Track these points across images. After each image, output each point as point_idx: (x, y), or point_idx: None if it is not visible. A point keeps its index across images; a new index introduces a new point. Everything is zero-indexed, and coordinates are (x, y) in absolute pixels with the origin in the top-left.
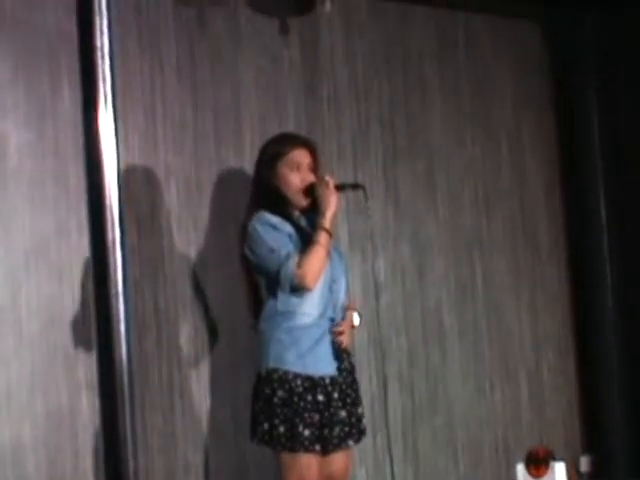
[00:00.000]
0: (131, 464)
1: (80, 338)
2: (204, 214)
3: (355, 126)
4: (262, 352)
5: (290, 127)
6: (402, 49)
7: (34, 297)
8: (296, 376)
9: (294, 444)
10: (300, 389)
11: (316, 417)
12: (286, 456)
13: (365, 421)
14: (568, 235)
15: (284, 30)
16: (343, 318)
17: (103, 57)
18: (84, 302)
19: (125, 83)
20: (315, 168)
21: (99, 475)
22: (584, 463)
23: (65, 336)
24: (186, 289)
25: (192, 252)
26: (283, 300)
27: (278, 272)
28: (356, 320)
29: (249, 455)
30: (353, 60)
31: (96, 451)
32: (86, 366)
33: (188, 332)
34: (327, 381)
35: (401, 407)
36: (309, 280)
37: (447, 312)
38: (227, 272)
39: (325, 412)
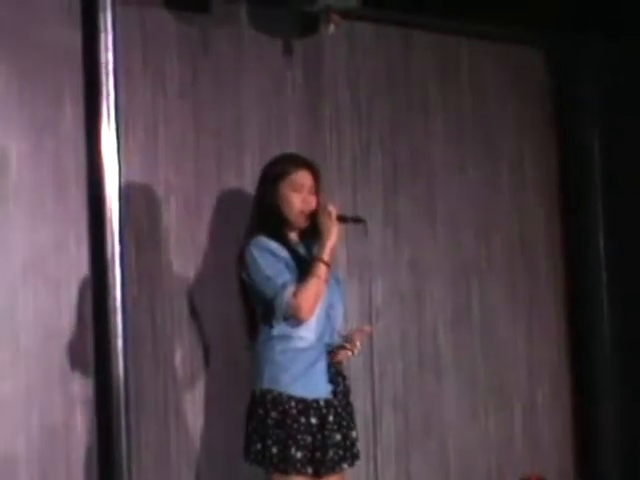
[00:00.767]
0: None
1: (77, 353)
2: (203, 233)
3: (356, 149)
4: (257, 373)
5: (291, 148)
6: (404, 73)
7: (31, 311)
8: (290, 398)
9: (286, 466)
10: (294, 411)
11: (309, 439)
12: (278, 477)
13: (359, 445)
14: (566, 263)
15: (287, 51)
16: (343, 346)
17: (107, 74)
18: (81, 317)
19: (128, 100)
20: (316, 191)
21: None
22: None
23: (62, 351)
24: (183, 307)
25: (190, 270)
26: (278, 326)
27: (273, 300)
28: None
29: (242, 475)
30: (356, 83)
31: (90, 468)
32: (82, 382)
33: (184, 350)
34: (322, 404)
35: (395, 431)
36: (304, 312)
37: (443, 337)
38: (224, 291)
39: (318, 435)
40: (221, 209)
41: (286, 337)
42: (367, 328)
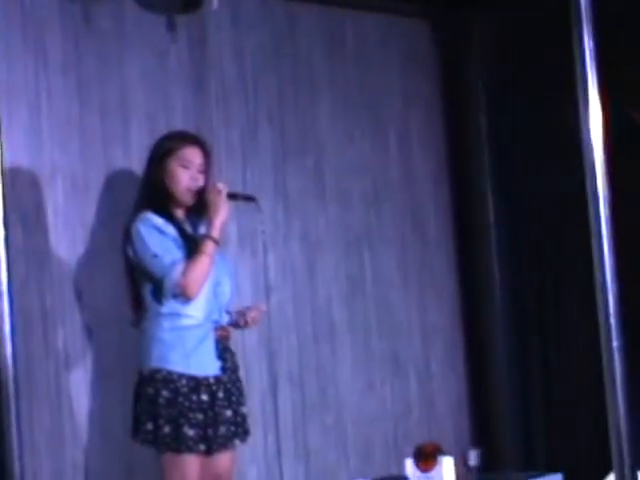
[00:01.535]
0: (17, 465)
1: None
2: (91, 212)
3: (244, 123)
4: (144, 352)
5: (178, 125)
6: (291, 46)
7: None
8: (181, 376)
9: (179, 444)
10: (185, 389)
11: (200, 417)
12: (169, 456)
13: (250, 421)
14: (456, 229)
15: (171, 27)
16: (232, 323)
17: None
18: None
19: (9, 79)
20: (206, 170)
21: None
22: (473, 457)
23: None
24: (72, 288)
25: (79, 251)
26: (167, 303)
27: (161, 279)
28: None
29: (135, 455)
30: (241, 57)
31: None
32: None
33: (75, 331)
34: (211, 380)
35: (291, 405)
36: (192, 290)
37: (337, 309)
38: (114, 271)
39: (209, 412)
40: (109, 187)
41: (175, 315)
42: (262, 306)
